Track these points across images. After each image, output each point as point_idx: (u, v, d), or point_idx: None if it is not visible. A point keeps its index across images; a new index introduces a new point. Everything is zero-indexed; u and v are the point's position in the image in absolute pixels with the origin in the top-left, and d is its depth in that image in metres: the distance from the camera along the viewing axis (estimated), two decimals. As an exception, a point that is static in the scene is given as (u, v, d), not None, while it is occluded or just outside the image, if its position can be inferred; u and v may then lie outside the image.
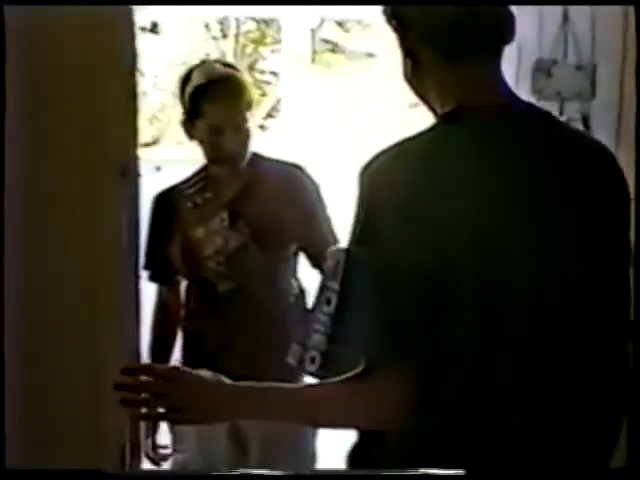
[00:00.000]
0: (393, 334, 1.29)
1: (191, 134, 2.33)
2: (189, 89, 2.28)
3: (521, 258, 1.31)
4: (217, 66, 2.35)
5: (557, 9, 2.68)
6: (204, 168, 2.40)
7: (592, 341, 1.38)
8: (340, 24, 12.09)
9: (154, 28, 11.09)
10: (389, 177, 1.30)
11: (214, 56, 11.51)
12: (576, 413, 1.37)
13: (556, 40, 2.70)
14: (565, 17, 2.66)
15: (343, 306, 1.32)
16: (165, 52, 11.07)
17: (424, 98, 1.41)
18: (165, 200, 2.40)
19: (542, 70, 2.75)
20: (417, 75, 1.39)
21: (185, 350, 2.36)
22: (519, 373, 1.32)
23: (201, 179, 2.38)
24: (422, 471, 1.30)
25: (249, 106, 2.31)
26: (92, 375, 1.42)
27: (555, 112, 2.72)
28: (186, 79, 2.32)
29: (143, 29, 10.51)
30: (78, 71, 1.37)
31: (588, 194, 1.36)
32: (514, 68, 2.94)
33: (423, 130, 1.35)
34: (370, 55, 10.65)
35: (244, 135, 2.30)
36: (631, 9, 2.38)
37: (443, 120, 1.36)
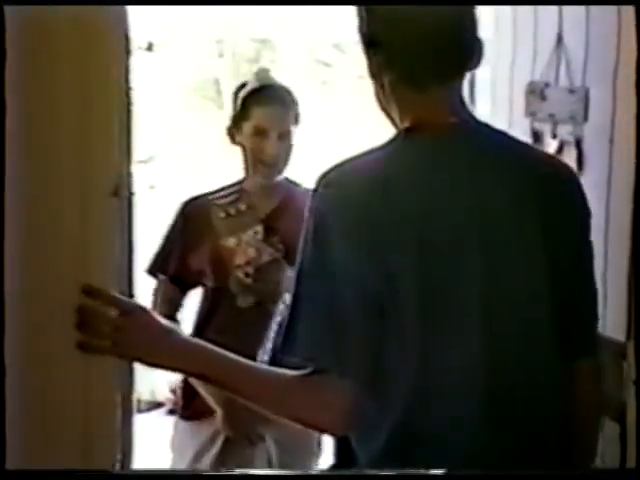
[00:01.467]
0: (337, 340, 1.33)
1: (235, 139, 2.41)
2: (242, 93, 2.38)
3: (469, 270, 1.35)
4: (273, 75, 2.46)
5: (551, 32, 2.70)
6: (239, 182, 2.46)
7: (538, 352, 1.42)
8: (336, 45, 12.13)
9: (150, 47, 11.11)
10: (342, 190, 1.35)
11: (210, 76, 11.56)
12: (530, 417, 1.42)
13: (549, 63, 2.72)
14: (559, 40, 2.68)
15: (292, 314, 1.38)
16: (160, 71, 11.09)
17: (390, 116, 1.48)
18: (196, 207, 2.43)
19: (535, 93, 2.77)
20: (383, 95, 1.46)
21: None
22: (469, 381, 1.36)
23: (235, 191, 2.43)
24: (423, 471, 1.32)
25: (296, 120, 2.36)
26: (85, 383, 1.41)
27: (548, 134, 2.74)
28: (241, 87, 2.43)
29: (139, 47, 10.54)
30: (71, 88, 1.37)
31: (539, 207, 1.39)
32: (508, 90, 2.96)
33: (379, 145, 1.41)
34: (361, 77, 10.69)
35: (286, 145, 2.37)
36: (625, 33, 2.40)
37: (398, 136, 1.43)
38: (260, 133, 2.34)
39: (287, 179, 2.48)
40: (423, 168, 1.37)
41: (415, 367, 1.36)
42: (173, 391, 5.44)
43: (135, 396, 1.58)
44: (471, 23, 1.47)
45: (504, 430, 1.40)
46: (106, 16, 1.42)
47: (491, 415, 1.38)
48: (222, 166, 9.33)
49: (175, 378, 5.45)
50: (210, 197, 2.43)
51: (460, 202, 1.36)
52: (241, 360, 1.43)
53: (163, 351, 1.40)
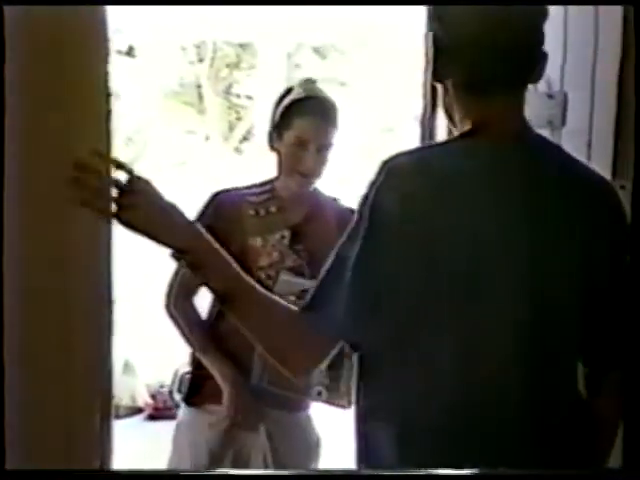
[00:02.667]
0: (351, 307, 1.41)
1: (273, 145, 2.42)
2: (286, 101, 2.39)
3: (516, 274, 1.40)
4: (319, 87, 2.45)
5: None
6: (270, 182, 2.47)
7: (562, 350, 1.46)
8: (316, 50, 12.16)
9: (130, 51, 11.09)
10: (403, 182, 1.40)
11: (190, 80, 11.55)
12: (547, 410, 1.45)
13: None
14: (537, 46, 2.70)
15: (325, 276, 1.47)
16: (140, 75, 11.07)
17: (452, 120, 1.54)
18: (229, 200, 2.43)
19: (514, 98, 2.79)
20: (447, 97, 1.52)
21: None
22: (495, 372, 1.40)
23: (267, 191, 2.45)
24: (424, 471, 1.34)
25: (335, 135, 2.39)
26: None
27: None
28: (286, 93, 2.43)
29: (119, 52, 10.52)
30: (51, 91, 1.37)
31: (587, 220, 1.45)
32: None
33: (440, 142, 1.53)
34: (343, 84, 10.74)
35: (323, 157, 2.38)
36: (603, 38, 2.43)
37: (459, 137, 1.48)
38: (300, 144, 2.36)
39: (316, 189, 2.49)
40: (481, 173, 1.41)
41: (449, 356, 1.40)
42: (153, 396, 5.43)
43: (114, 401, 1.58)
44: (538, 35, 1.52)
45: (517, 428, 1.43)
46: (85, 20, 1.42)
47: (510, 414, 1.42)
48: (202, 170, 9.32)
49: (155, 382, 5.45)
50: (242, 192, 2.44)
51: (511, 210, 1.41)
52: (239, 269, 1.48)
53: (171, 223, 1.40)
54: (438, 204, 1.39)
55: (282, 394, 2.29)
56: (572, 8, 2.55)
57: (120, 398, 5.15)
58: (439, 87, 1.57)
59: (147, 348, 5.27)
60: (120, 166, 1.40)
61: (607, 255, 1.48)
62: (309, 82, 2.48)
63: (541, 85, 2.69)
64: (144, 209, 1.37)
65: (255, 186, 2.48)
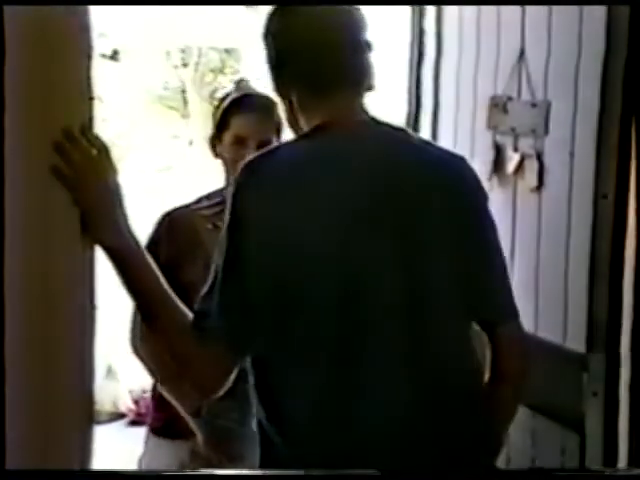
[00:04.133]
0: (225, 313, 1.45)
1: (216, 151, 2.36)
2: (224, 104, 2.34)
3: (381, 249, 1.46)
4: (252, 85, 2.41)
5: (514, 47, 2.73)
6: (219, 192, 2.39)
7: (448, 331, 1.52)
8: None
9: (114, 55, 11.06)
10: (259, 174, 1.48)
11: (175, 85, 11.52)
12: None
13: (511, 77, 2.75)
14: (521, 54, 2.71)
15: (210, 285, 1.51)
16: (125, 79, 11.04)
17: (298, 132, 1.60)
18: (181, 218, 2.34)
19: (498, 106, 2.80)
20: (291, 112, 1.60)
21: None
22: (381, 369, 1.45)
23: (218, 203, 2.34)
24: (422, 471, 1.37)
25: (277, 131, 2.32)
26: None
27: (510, 147, 2.77)
28: (222, 100, 2.39)
29: (103, 56, 10.48)
30: (34, 94, 1.37)
31: (441, 194, 1.52)
32: (471, 104, 2.99)
33: (292, 139, 1.58)
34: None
35: None
36: (587, 48, 2.44)
37: (307, 134, 1.55)
38: (239, 142, 2.28)
39: None
40: (335, 156, 1.49)
41: (332, 338, 1.45)
42: (136, 402, 5.41)
43: (96, 407, 1.58)
44: (363, 41, 1.60)
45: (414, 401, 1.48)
46: (69, 23, 1.42)
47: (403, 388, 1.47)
48: (186, 175, 9.30)
49: (138, 388, 5.43)
50: (193, 207, 2.34)
51: (369, 187, 1.47)
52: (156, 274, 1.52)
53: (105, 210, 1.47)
54: (291, 193, 1.45)
55: (226, 425, 2.22)
56: (556, 18, 2.57)
57: (102, 403, 5.12)
58: (290, 102, 1.62)
59: (130, 354, 5.24)
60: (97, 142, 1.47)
61: (473, 219, 1.56)
62: (242, 81, 2.43)
63: (525, 94, 2.71)
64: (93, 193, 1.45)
65: (204, 198, 2.39)
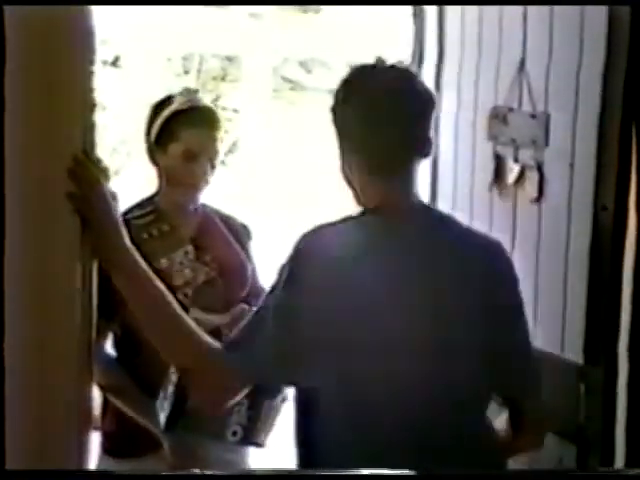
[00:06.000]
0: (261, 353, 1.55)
1: (156, 159, 2.31)
2: (166, 112, 2.27)
3: (421, 327, 1.57)
4: (200, 96, 2.35)
5: (514, 58, 2.74)
6: (149, 199, 2.35)
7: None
8: (302, 64, 12.19)
9: (115, 62, 11.08)
10: (318, 246, 1.59)
11: (175, 91, 11.53)
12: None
13: (512, 88, 2.76)
14: (521, 66, 2.72)
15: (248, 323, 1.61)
16: (126, 86, 11.05)
17: (353, 188, 1.69)
18: None
19: (498, 117, 2.81)
20: (349, 170, 1.67)
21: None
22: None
23: (150, 212, 2.33)
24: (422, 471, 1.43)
25: (221, 142, 2.31)
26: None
27: (510, 158, 2.78)
28: (162, 103, 2.31)
29: (105, 63, 10.50)
30: (32, 101, 1.38)
31: (481, 273, 1.63)
32: (471, 114, 3.00)
33: (350, 216, 1.66)
34: (330, 91, 10.74)
35: (213, 167, 2.30)
36: (587, 59, 2.45)
37: (366, 213, 1.66)
38: (190, 157, 2.24)
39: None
40: (383, 244, 1.61)
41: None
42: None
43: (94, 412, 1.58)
44: (428, 122, 1.67)
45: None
46: (71, 29, 1.42)
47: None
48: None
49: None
50: (126, 217, 2.18)
51: (413, 274, 1.59)
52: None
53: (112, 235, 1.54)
54: (350, 270, 1.56)
55: (194, 437, 2.14)
56: (557, 29, 2.58)
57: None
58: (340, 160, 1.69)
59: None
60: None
61: (504, 300, 1.66)
62: (190, 92, 2.36)
63: (525, 105, 2.72)
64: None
65: (135, 208, 2.34)
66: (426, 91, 1.67)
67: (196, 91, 2.39)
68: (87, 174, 1.47)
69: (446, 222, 1.70)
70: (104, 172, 1.54)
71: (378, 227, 1.62)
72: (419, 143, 1.66)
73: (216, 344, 1.59)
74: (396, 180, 1.65)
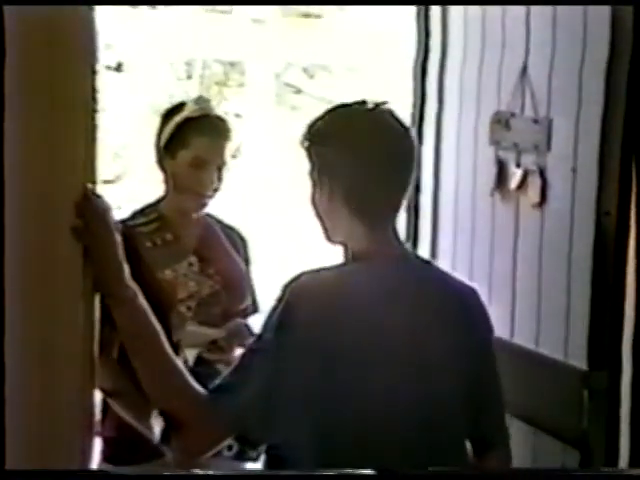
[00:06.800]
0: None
1: (165, 165, 2.29)
2: (178, 119, 2.26)
3: (403, 369, 1.60)
4: (212, 105, 2.35)
5: (517, 63, 2.74)
6: (153, 206, 2.34)
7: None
8: (304, 69, 12.20)
9: (119, 67, 11.10)
10: (306, 296, 1.58)
11: (178, 97, 11.55)
12: None
13: (514, 93, 2.76)
14: (523, 71, 2.72)
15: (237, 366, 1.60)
16: (129, 91, 11.07)
17: (324, 226, 1.69)
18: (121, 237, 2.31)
19: (500, 122, 2.81)
20: (320, 204, 1.67)
21: None
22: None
23: (154, 219, 2.32)
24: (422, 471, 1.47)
25: (230, 152, 2.30)
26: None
27: (512, 163, 2.78)
28: (173, 110, 2.30)
29: (108, 68, 10.51)
30: (35, 106, 1.37)
31: (458, 319, 1.66)
32: (473, 119, 3.00)
33: (335, 265, 1.66)
34: (330, 102, 10.73)
35: (222, 176, 2.29)
36: (589, 65, 2.45)
37: (350, 259, 1.67)
38: (199, 164, 2.24)
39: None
40: (370, 294, 1.61)
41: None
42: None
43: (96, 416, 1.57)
44: (414, 168, 1.68)
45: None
46: (73, 33, 1.42)
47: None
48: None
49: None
50: (129, 224, 2.21)
51: (397, 320, 1.61)
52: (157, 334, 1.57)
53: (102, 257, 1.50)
54: (337, 320, 1.57)
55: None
56: (559, 34, 2.58)
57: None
58: (313, 189, 1.69)
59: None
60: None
61: (478, 346, 1.69)
62: (204, 101, 2.36)
63: (527, 110, 2.72)
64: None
65: (138, 214, 2.32)
66: (411, 133, 1.68)
67: (208, 100, 2.39)
68: (92, 208, 1.45)
69: (427, 270, 1.74)
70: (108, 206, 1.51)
71: (364, 276, 1.63)
72: (408, 189, 1.67)
73: (201, 391, 1.57)
74: (383, 226, 1.66)
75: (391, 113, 1.66)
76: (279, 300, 1.58)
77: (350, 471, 1.46)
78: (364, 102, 1.66)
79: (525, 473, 1.67)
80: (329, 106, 1.74)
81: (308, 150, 1.67)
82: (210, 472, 1.88)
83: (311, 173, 1.67)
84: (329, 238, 1.69)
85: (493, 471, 1.67)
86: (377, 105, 1.65)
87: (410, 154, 1.66)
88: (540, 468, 2.40)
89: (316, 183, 1.67)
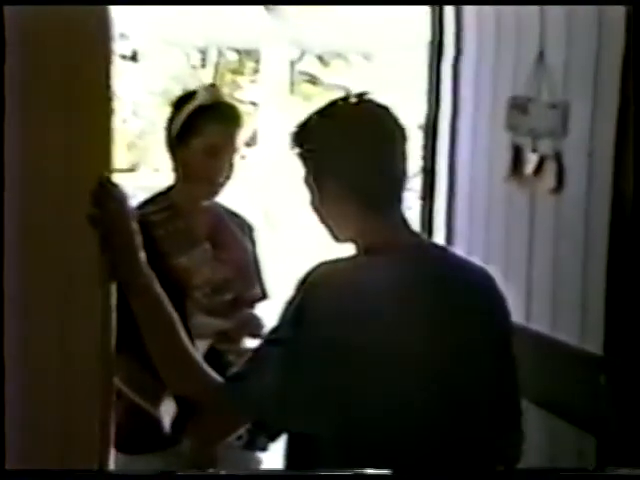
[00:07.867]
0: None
1: (176, 153, 2.29)
2: (190, 107, 2.25)
3: (421, 361, 1.58)
4: (223, 92, 2.35)
5: (533, 48, 2.73)
6: (163, 194, 2.33)
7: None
8: (319, 57, 12.18)
9: (134, 56, 11.11)
10: (325, 287, 1.56)
11: (193, 85, 11.56)
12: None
13: (531, 78, 2.75)
14: (540, 56, 2.71)
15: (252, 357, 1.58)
16: (144, 80, 11.09)
17: (328, 226, 1.68)
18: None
19: (517, 107, 2.80)
20: (323, 206, 1.65)
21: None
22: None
23: (165, 208, 2.31)
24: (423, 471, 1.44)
25: (242, 139, 2.29)
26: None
27: (529, 148, 2.77)
28: (185, 98, 2.30)
29: (123, 57, 10.54)
30: (54, 92, 1.38)
31: (475, 309, 1.65)
32: (489, 104, 2.99)
33: (349, 256, 1.65)
34: (345, 89, 10.74)
35: (234, 163, 2.29)
36: (606, 49, 2.44)
37: (364, 252, 1.65)
38: (213, 152, 2.23)
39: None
40: (387, 285, 1.59)
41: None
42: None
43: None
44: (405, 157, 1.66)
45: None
46: (89, 23, 1.43)
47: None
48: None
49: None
50: (142, 212, 2.17)
51: (415, 310, 1.59)
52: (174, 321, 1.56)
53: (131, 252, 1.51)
54: (356, 311, 1.54)
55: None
56: (575, 19, 2.57)
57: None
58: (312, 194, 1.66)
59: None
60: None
61: (495, 332, 1.68)
62: (215, 89, 2.34)
63: (544, 95, 2.71)
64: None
65: (148, 203, 2.31)
66: (398, 118, 1.67)
67: (218, 88, 2.38)
68: (109, 197, 1.47)
69: (442, 257, 1.72)
70: (125, 195, 1.51)
71: (381, 267, 1.62)
72: (406, 175, 1.67)
73: (218, 378, 1.57)
74: (392, 216, 1.65)
75: (375, 102, 1.65)
76: (297, 290, 1.58)
77: (358, 471, 1.47)
78: (347, 97, 1.66)
79: (532, 473, 1.65)
80: (345, 93, 1.74)
81: (301, 155, 1.66)
82: (210, 472, 1.89)
83: (306, 179, 1.66)
84: (338, 238, 1.69)
85: (505, 473, 1.66)
86: (360, 96, 1.65)
87: (402, 138, 1.65)
88: (539, 468, 2.38)
89: (313, 188, 1.65)
